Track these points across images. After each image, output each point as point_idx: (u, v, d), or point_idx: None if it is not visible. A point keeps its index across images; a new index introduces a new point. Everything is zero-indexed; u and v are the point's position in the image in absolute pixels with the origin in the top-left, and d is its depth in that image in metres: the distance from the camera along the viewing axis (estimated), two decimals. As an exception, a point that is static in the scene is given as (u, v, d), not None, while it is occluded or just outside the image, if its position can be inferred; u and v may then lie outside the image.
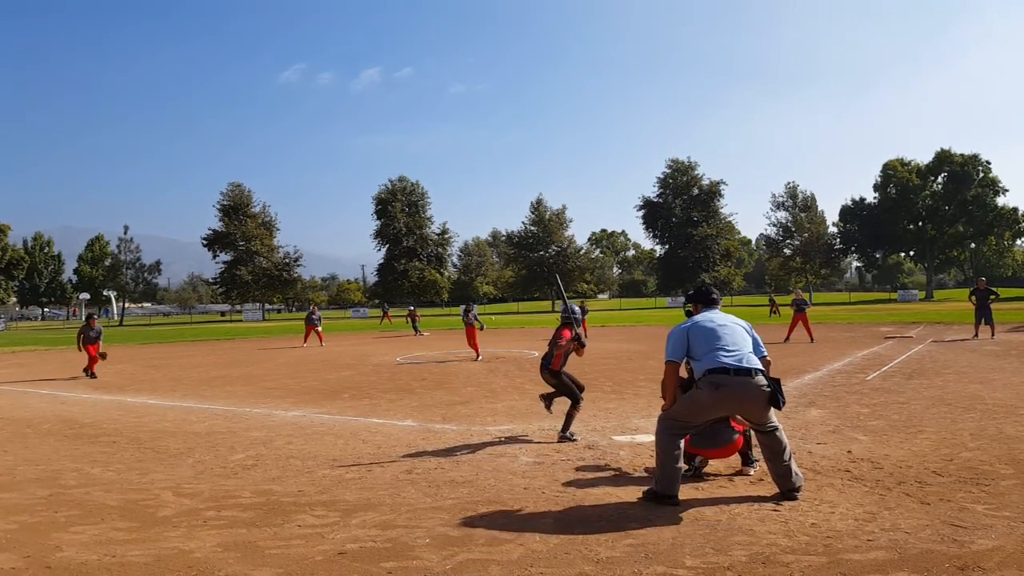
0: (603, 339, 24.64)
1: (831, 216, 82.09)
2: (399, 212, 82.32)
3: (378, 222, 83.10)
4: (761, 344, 5.37)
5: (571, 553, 4.03)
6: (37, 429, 9.17)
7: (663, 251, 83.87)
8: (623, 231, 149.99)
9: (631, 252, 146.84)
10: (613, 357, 17.23)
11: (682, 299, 68.85)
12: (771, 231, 79.91)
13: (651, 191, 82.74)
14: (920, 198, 72.05)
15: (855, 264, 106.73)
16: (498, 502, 5.11)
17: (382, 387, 12.60)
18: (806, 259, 75.96)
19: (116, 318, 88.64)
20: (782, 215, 77.92)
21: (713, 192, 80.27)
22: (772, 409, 5.05)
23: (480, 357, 17.95)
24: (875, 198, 76.10)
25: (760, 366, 5.12)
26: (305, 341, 26.04)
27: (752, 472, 5.76)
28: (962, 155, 71.18)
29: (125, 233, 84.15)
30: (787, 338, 20.41)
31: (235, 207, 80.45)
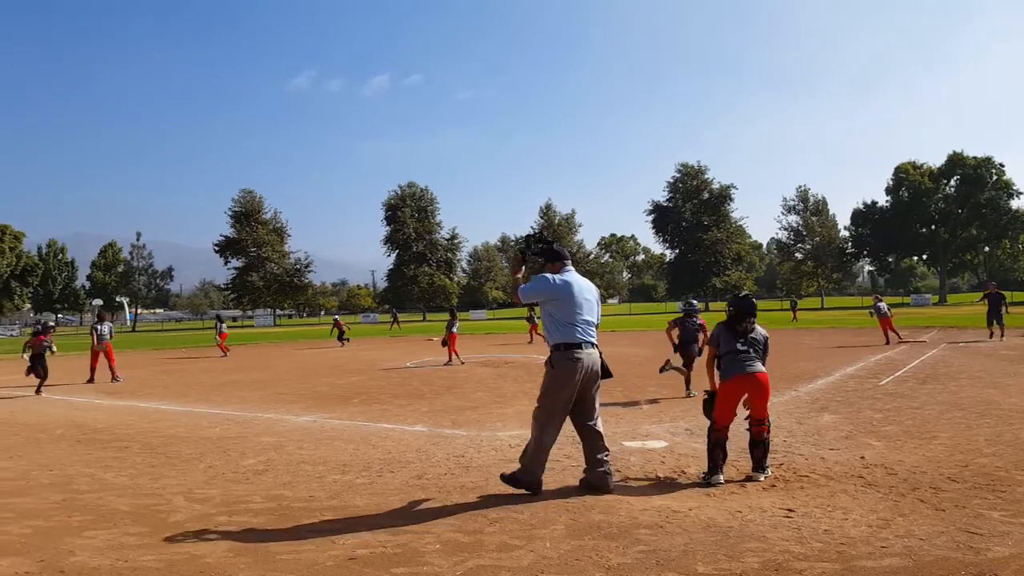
0: (613, 344, 24.59)
1: (843, 220, 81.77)
2: (408, 218, 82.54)
3: (388, 228, 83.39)
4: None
5: (582, 560, 4.02)
6: (50, 434, 9.23)
7: (673, 255, 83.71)
8: (633, 235, 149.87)
9: (641, 257, 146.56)
10: (624, 362, 17.18)
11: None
12: (782, 235, 79.69)
13: (661, 195, 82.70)
14: (933, 201, 71.63)
15: (867, 268, 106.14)
16: (508, 508, 5.09)
17: (392, 392, 12.61)
18: (818, 263, 75.61)
19: (129, 324, 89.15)
20: (793, 219, 77.69)
21: (723, 196, 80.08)
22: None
23: (452, 362, 18.34)
24: (887, 201, 75.72)
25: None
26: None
27: (763, 479, 5.74)
28: (975, 157, 70.72)
29: (137, 239, 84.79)
30: (888, 341, 20.28)
31: (246, 213, 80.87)
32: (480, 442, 7.71)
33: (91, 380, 16.40)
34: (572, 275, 5.48)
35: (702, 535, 4.38)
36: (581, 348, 5.28)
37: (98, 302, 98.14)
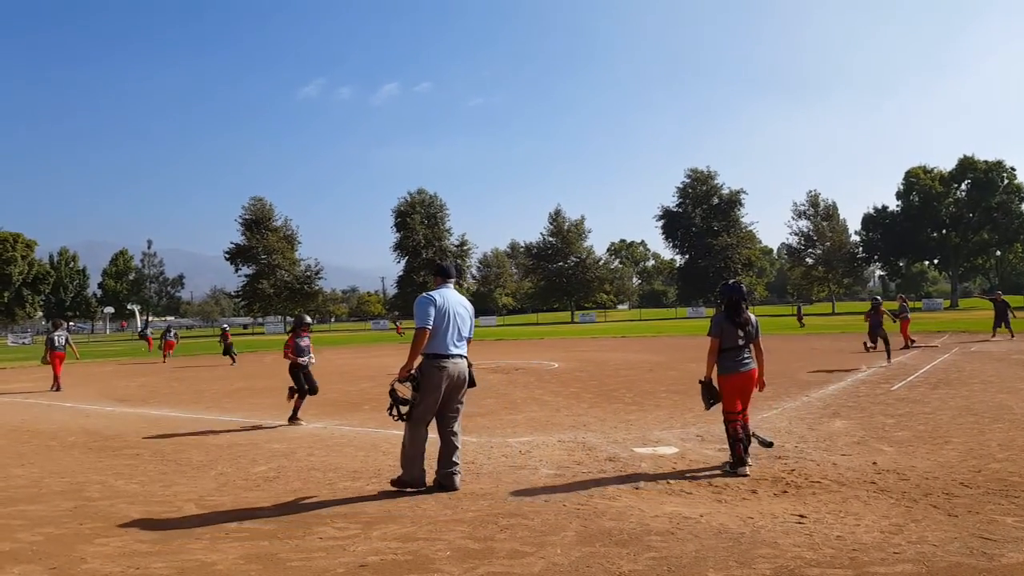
0: (623, 350, 24.56)
1: (853, 224, 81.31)
2: (418, 224, 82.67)
3: (397, 234, 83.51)
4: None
5: (593, 566, 4.00)
6: (62, 442, 9.28)
7: (683, 261, 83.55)
8: (642, 241, 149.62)
9: (651, 262, 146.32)
10: (633, 368, 17.16)
11: (702, 310, 67.98)
12: (793, 240, 79.29)
13: (670, 201, 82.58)
14: (944, 205, 71.22)
15: (878, 273, 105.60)
16: (519, 514, 5.08)
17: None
18: (828, 268, 75.29)
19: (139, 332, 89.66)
20: (804, 224, 77.30)
21: (733, 201, 79.90)
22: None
23: None
24: (898, 206, 75.35)
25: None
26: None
27: (748, 473, 6.10)
28: (986, 162, 70.33)
29: (149, 247, 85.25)
30: (907, 344, 20.14)
31: (257, 221, 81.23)
32: (490, 448, 7.70)
33: (56, 388, 16.72)
34: (446, 292, 6.04)
35: (713, 541, 4.36)
36: (448, 359, 5.83)
37: (109, 309, 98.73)
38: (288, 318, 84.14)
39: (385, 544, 4.52)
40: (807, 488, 5.60)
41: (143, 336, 41.42)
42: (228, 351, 26.00)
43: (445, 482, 5.87)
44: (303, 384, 10.45)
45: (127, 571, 4.18)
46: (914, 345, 19.99)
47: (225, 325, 31.83)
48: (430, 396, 5.81)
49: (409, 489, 5.84)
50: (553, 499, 5.49)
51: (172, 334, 30.33)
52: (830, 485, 5.65)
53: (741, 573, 3.83)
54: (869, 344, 18.68)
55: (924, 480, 5.68)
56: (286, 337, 11.02)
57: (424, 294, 5.96)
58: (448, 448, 5.95)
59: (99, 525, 5.19)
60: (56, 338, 17.41)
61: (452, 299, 5.98)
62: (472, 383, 6.07)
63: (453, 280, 6.23)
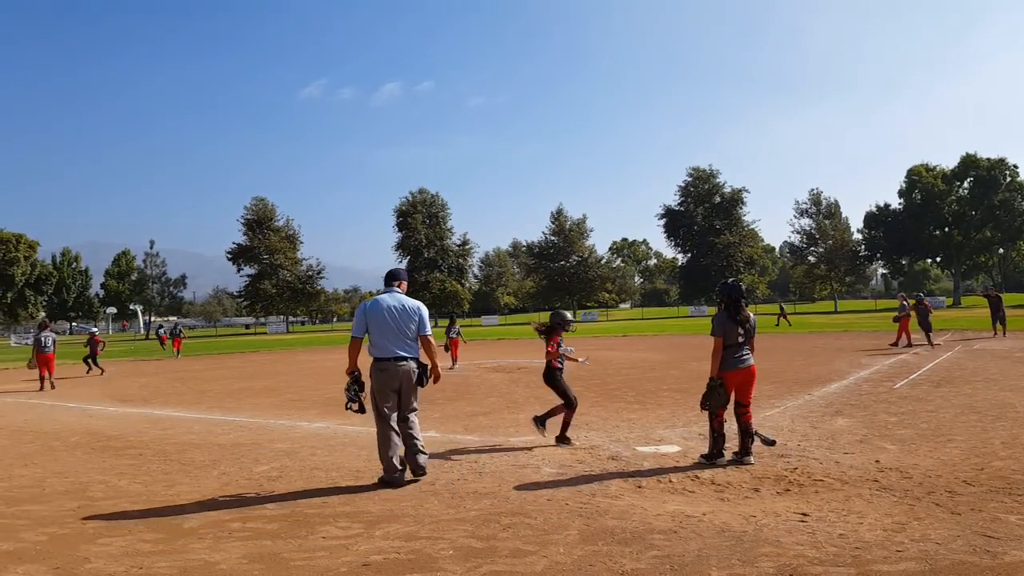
0: (625, 349, 24.55)
1: (855, 223, 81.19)
2: (420, 224, 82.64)
3: (399, 234, 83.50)
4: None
5: (595, 565, 4.01)
6: (65, 442, 9.29)
7: (685, 260, 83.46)
8: (644, 240, 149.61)
9: (653, 261, 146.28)
10: (636, 367, 17.15)
11: (704, 308, 67.83)
12: (795, 238, 79.22)
13: (672, 199, 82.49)
14: (946, 203, 71.07)
15: (881, 271, 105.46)
16: (521, 513, 5.09)
17: (405, 398, 12.61)
18: (831, 266, 75.19)
19: (142, 332, 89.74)
20: (806, 222, 77.22)
21: (735, 200, 79.80)
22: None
23: (455, 366, 18.65)
24: (900, 204, 75.21)
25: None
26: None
27: (752, 462, 6.41)
28: (988, 159, 70.15)
29: (151, 248, 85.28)
30: (908, 343, 19.98)
31: (259, 221, 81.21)
32: (493, 447, 7.71)
33: (41, 388, 16.93)
34: (384, 298, 6.32)
35: (716, 540, 4.36)
36: (388, 361, 6.14)
37: (112, 310, 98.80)
38: (291, 318, 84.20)
39: (388, 543, 4.52)
40: (810, 486, 5.60)
41: (158, 336, 42.13)
42: (91, 357, 21.78)
43: (413, 465, 6.24)
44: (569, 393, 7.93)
45: (130, 571, 4.19)
46: (913, 345, 19.81)
47: (94, 329, 26.04)
48: (379, 396, 6.17)
49: (387, 480, 6.13)
50: (556, 498, 5.49)
51: (179, 332, 33.25)
52: (833, 483, 5.64)
53: (744, 572, 3.83)
54: (908, 341, 19.13)
55: (927, 478, 5.68)
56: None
57: (362, 303, 6.42)
58: (408, 442, 6.25)
59: (102, 525, 5.20)
60: (43, 339, 17.48)
61: (389, 303, 6.24)
62: (421, 382, 6.29)
63: (398, 282, 6.50)
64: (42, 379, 17.16)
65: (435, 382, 6.43)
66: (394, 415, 6.23)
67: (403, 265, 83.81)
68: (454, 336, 19.36)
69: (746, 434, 6.56)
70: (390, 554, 4.31)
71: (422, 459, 6.26)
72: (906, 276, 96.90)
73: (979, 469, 5.92)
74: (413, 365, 6.23)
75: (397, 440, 6.18)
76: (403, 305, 6.27)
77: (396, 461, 6.13)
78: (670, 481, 5.93)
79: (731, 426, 6.72)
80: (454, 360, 19.06)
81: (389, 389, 6.15)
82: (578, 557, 4.14)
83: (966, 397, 9.99)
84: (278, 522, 5.12)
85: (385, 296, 6.34)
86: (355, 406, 6.36)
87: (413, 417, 6.31)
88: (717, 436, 6.54)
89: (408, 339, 6.21)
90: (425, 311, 6.40)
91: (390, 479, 6.11)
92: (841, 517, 4.75)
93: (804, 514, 4.84)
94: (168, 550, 4.55)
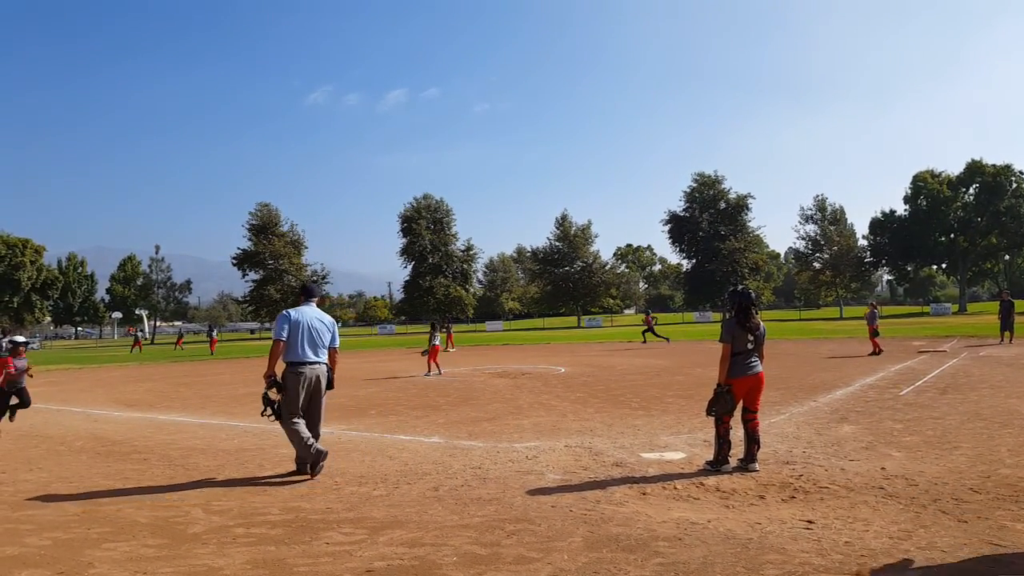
0: (630, 355, 24.52)
1: (861, 229, 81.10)
2: (424, 229, 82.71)
3: (404, 239, 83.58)
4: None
5: (599, 572, 3.99)
6: (70, 447, 9.30)
7: (690, 265, 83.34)
8: (649, 245, 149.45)
9: (657, 267, 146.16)
10: (640, 373, 17.12)
11: (709, 314, 67.45)
12: (800, 244, 79.09)
13: (677, 205, 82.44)
14: (952, 210, 70.91)
15: (886, 277, 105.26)
16: (525, 520, 5.08)
17: (408, 404, 12.62)
18: (836, 272, 75.05)
19: (148, 336, 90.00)
20: (811, 228, 77.06)
21: (740, 206, 79.71)
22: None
23: (431, 374, 18.56)
24: (906, 210, 75.06)
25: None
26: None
27: (758, 469, 6.43)
28: (994, 166, 69.98)
29: (156, 253, 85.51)
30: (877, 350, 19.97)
31: (263, 226, 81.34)
32: (497, 453, 7.70)
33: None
34: (305, 308, 7.10)
35: (721, 547, 4.35)
36: (304, 365, 6.84)
37: (117, 314, 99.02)
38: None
39: (391, 549, 4.52)
40: (815, 493, 5.58)
41: (209, 337, 43.83)
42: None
43: (312, 459, 6.90)
44: None
45: (134, 576, 4.19)
46: (880, 353, 19.66)
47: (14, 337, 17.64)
48: (290, 397, 6.80)
49: (301, 468, 6.95)
50: (560, 504, 5.48)
51: (214, 333, 41.66)
52: (838, 490, 5.62)
53: (749, 579, 3.81)
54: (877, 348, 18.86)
55: (933, 486, 5.65)
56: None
57: (283, 311, 7.05)
58: (312, 430, 7.00)
59: (107, 530, 5.20)
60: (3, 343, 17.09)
61: (309, 314, 7.03)
62: (330, 386, 7.15)
63: (316, 298, 7.33)
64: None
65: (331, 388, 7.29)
66: (299, 414, 6.89)
67: (408, 270, 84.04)
68: (436, 343, 19.18)
69: (752, 441, 6.57)
70: (394, 560, 4.31)
71: (323, 455, 6.91)
72: (911, 282, 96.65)
73: (986, 476, 5.89)
74: (324, 369, 7.04)
75: (305, 430, 6.84)
76: (322, 320, 7.12)
77: (308, 446, 6.79)
78: (675, 488, 5.91)
79: (736, 433, 6.70)
80: (430, 367, 18.85)
81: (302, 388, 6.82)
82: (582, 564, 4.13)
83: (972, 404, 9.95)
84: (282, 528, 5.11)
85: (307, 308, 7.12)
86: (269, 411, 6.89)
87: (321, 422, 7.19)
88: (722, 442, 6.55)
89: (320, 348, 7.01)
90: (336, 327, 7.32)
91: (302, 465, 6.93)
92: (847, 524, 4.73)
93: (809, 521, 4.82)
94: (172, 555, 4.55)
